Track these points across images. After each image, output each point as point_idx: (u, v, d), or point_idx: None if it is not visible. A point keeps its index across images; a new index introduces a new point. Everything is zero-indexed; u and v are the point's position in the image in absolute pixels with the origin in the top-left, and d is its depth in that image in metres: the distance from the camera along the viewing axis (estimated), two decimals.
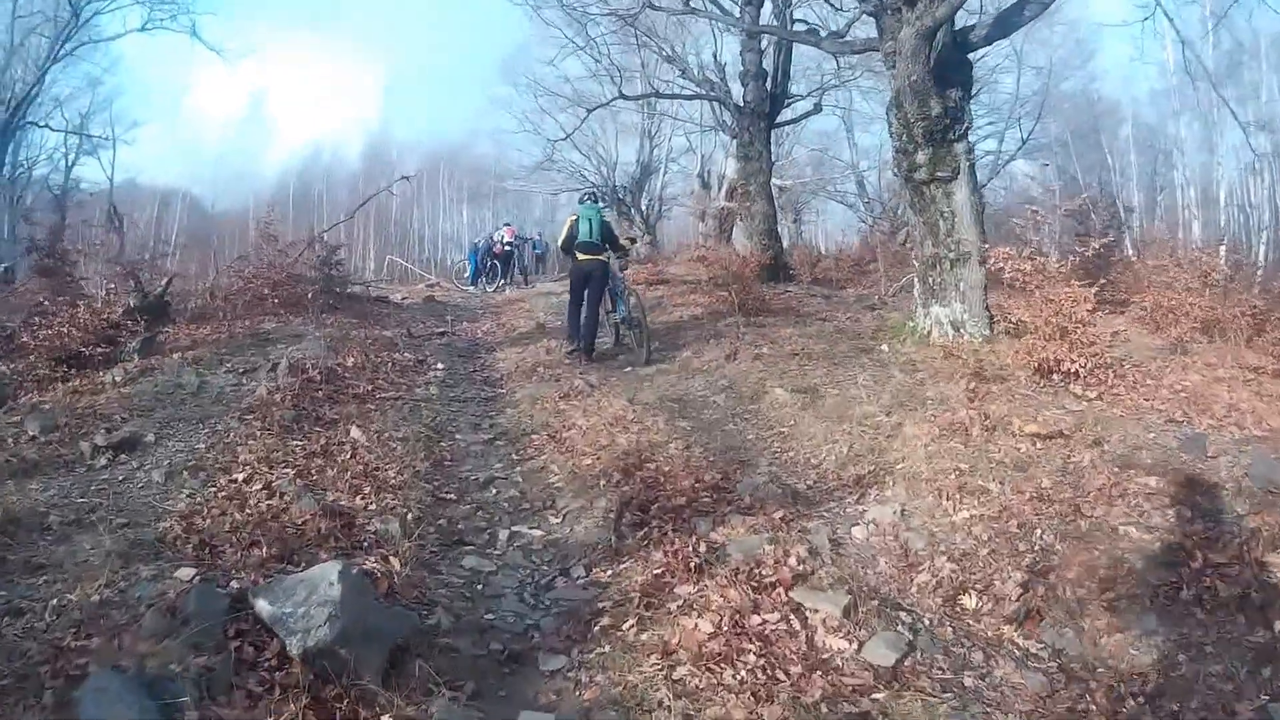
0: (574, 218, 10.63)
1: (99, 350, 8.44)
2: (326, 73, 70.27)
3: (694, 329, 11.30)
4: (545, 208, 45.96)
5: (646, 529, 5.06)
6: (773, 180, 25.30)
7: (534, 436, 7.22)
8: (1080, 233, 15.12)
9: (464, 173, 44.74)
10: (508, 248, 23.84)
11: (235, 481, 5.50)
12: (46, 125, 23.53)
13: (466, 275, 23.25)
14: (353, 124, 69.12)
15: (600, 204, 11.84)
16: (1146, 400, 6.69)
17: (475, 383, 9.48)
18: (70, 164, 30.75)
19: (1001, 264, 8.17)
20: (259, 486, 5.41)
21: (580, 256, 10.38)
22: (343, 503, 5.29)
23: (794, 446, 6.64)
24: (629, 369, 9.66)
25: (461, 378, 9.67)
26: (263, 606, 3.44)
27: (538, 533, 5.46)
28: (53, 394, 7.48)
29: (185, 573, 3.97)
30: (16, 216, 28.18)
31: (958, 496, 5.25)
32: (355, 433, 6.50)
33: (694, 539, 4.74)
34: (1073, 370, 7.02)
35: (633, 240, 13.02)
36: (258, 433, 6.39)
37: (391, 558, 4.49)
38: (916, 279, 9.26)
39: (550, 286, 20.24)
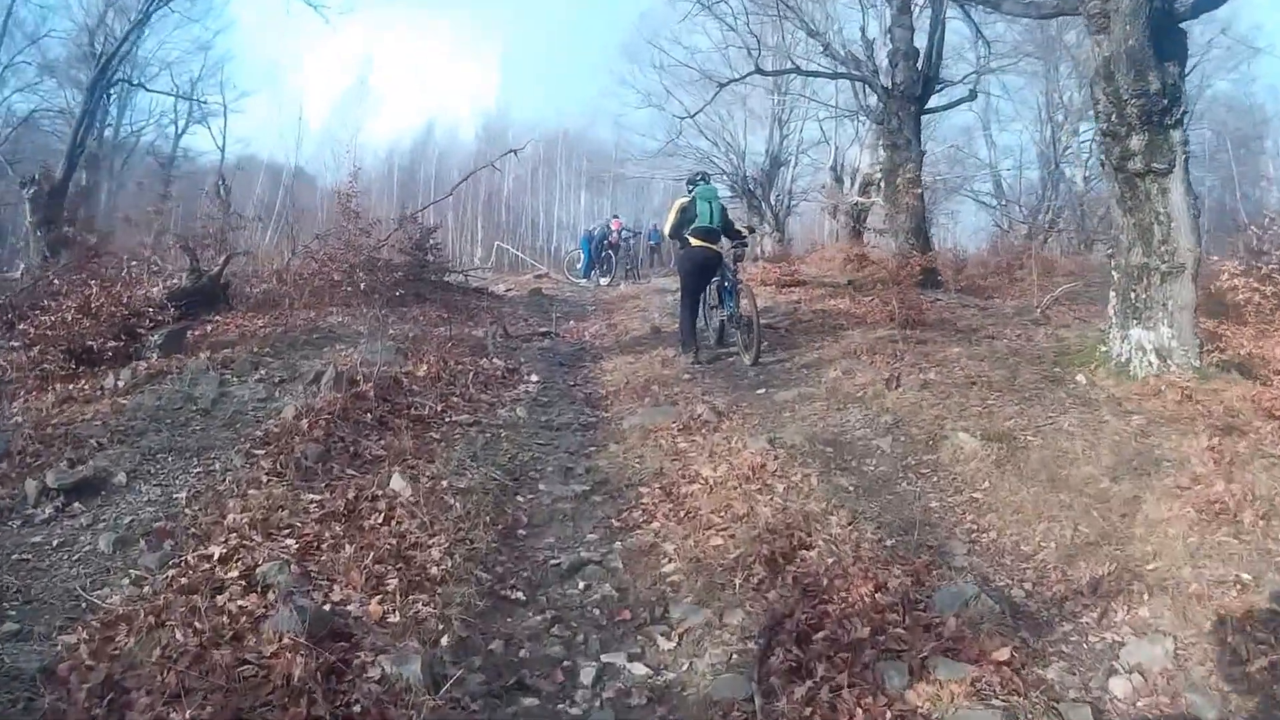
0: (687, 198, 9.33)
1: (114, 345, 6.93)
2: (441, 49, 70.10)
3: (838, 342, 9.31)
4: (666, 196, 44.12)
5: (809, 681, 3.18)
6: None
7: (643, 490, 5.30)
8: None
9: (582, 156, 43.45)
10: (624, 238, 22.16)
11: (208, 560, 3.79)
12: (141, 84, 22.79)
13: (579, 266, 21.58)
14: (467, 102, 68.43)
15: (718, 196, 9.90)
16: None
17: (574, 401, 7.62)
18: (179, 132, 30.77)
19: (1230, 282, 6.89)
20: (236, 573, 3.68)
21: (696, 243, 9.12)
22: (350, 608, 3.51)
23: (994, 523, 4.86)
24: (762, 390, 7.79)
25: (559, 395, 7.82)
26: None
27: (640, 670, 3.53)
28: (44, 400, 5.99)
29: None
30: (116, 184, 28.06)
31: (1249, 630, 3.47)
32: (398, 482, 4.70)
33: (884, 705, 2.99)
34: None
35: (750, 229, 10.96)
36: (264, 477, 4.69)
37: None
38: (1114, 293, 7.18)
39: (665, 283, 18.32)
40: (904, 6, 14.37)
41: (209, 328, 8.79)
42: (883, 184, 15.62)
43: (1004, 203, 26.59)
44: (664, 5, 19.44)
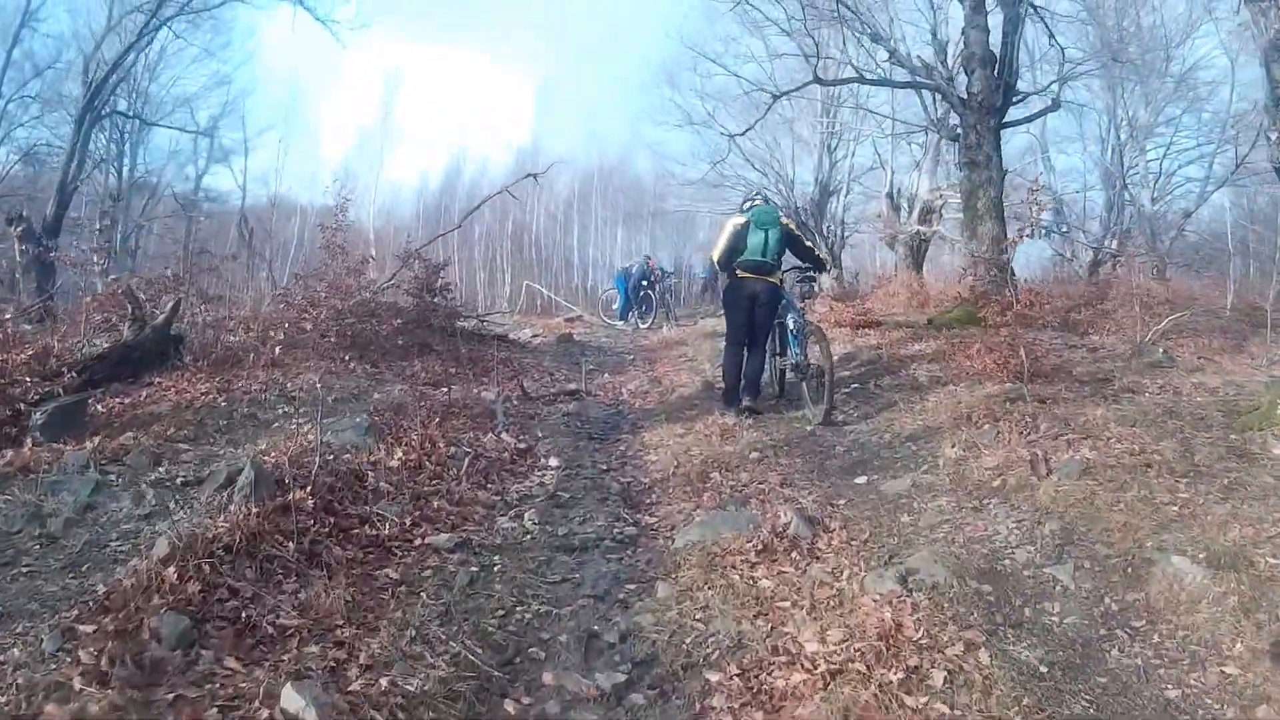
0: (739, 223, 7.98)
1: None
2: (473, 83, 69.18)
3: (943, 400, 7.39)
4: (711, 231, 42.43)
5: None
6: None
7: (712, 681, 3.27)
8: None
9: (618, 191, 41.90)
10: (664, 275, 20.36)
11: None
12: (136, 116, 21.69)
13: (615, 308, 19.73)
14: (499, 136, 67.37)
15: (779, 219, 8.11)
16: None
17: (607, 498, 5.61)
18: (200, 172, 30.52)
19: None
20: None
21: (744, 274, 7.88)
22: None
23: None
24: (862, 478, 5.90)
25: (585, 487, 5.82)
26: None
27: None
28: None
29: None
30: (130, 225, 27.02)
31: None
32: (293, 699, 2.74)
33: None
34: None
35: (825, 261, 9.05)
36: (77, 681, 2.76)
37: None
38: None
39: (716, 325, 16.37)
40: (978, 5, 12.64)
41: (143, 394, 6.98)
42: (961, 208, 13.71)
43: (1065, 229, 24.61)
44: (704, 25, 17.74)
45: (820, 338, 7.58)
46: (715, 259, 8.06)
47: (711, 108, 23.24)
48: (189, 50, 25.09)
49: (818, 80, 15.30)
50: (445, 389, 8.31)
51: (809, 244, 8.35)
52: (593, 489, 5.74)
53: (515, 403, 8.37)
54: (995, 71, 12.51)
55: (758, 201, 8.07)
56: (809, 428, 7.28)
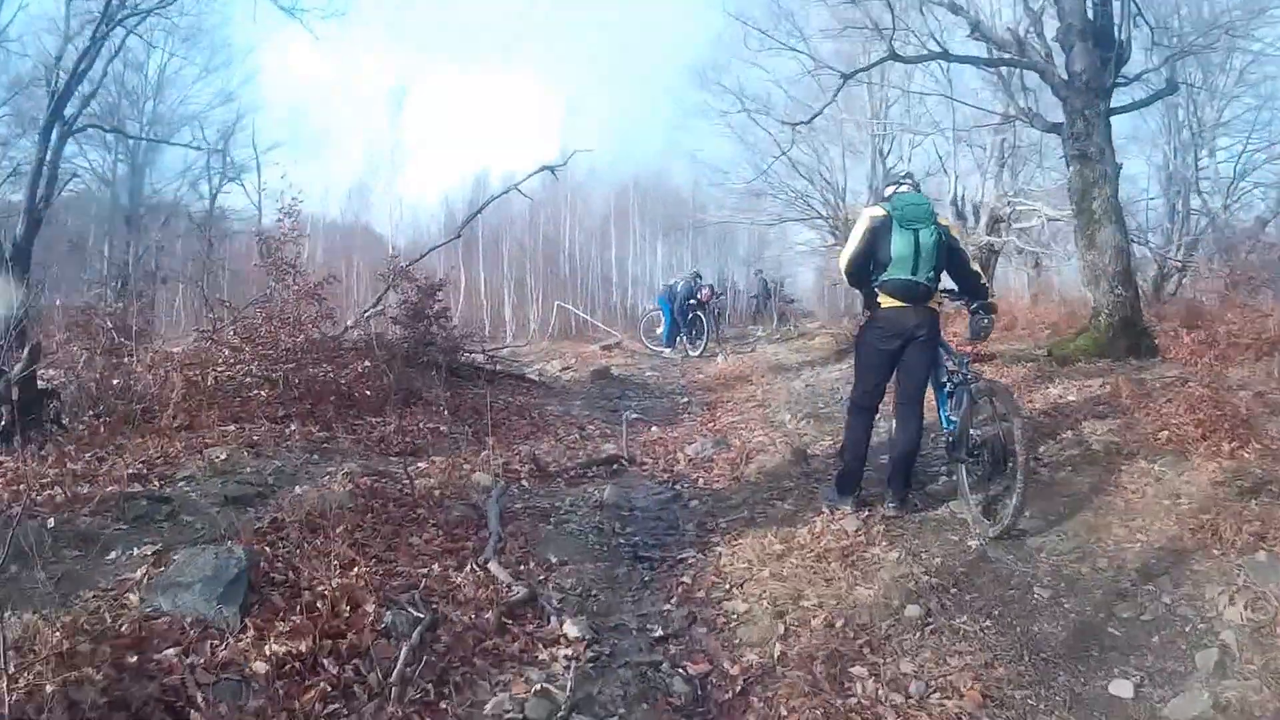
0: (877, 216, 5.20)
1: None
2: (495, 101, 67.00)
3: (1149, 488, 5.15)
4: (752, 245, 40.09)
5: None
6: (1040, 208, 18.55)
7: None
8: None
9: (656, 204, 39.43)
10: (714, 295, 17.84)
11: None
12: (118, 130, 20.34)
13: (659, 332, 17.11)
14: (527, 153, 65.01)
15: (935, 216, 5.30)
16: None
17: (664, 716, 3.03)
18: (214, 191, 28.80)
19: None
20: None
21: (888, 303, 5.18)
22: None
23: None
24: (1114, 682, 3.38)
25: (626, 697, 3.20)
26: None
27: None
28: None
29: None
30: (141, 247, 25.37)
31: None
32: None
33: None
34: None
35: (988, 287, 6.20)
36: None
37: None
38: None
39: (780, 353, 13.76)
40: None
41: None
42: (1074, 209, 11.14)
43: (1143, 240, 22.00)
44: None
45: (1005, 401, 4.95)
46: (843, 268, 5.35)
47: (757, 107, 21.72)
48: (189, 69, 25.53)
49: (895, 57, 12.65)
50: (426, 461, 5.86)
51: (966, 260, 5.46)
52: (640, 698, 3.14)
53: (525, 484, 5.85)
54: (1098, 46, 10.08)
55: (903, 188, 5.34)
56: (974, 543, 4.70)
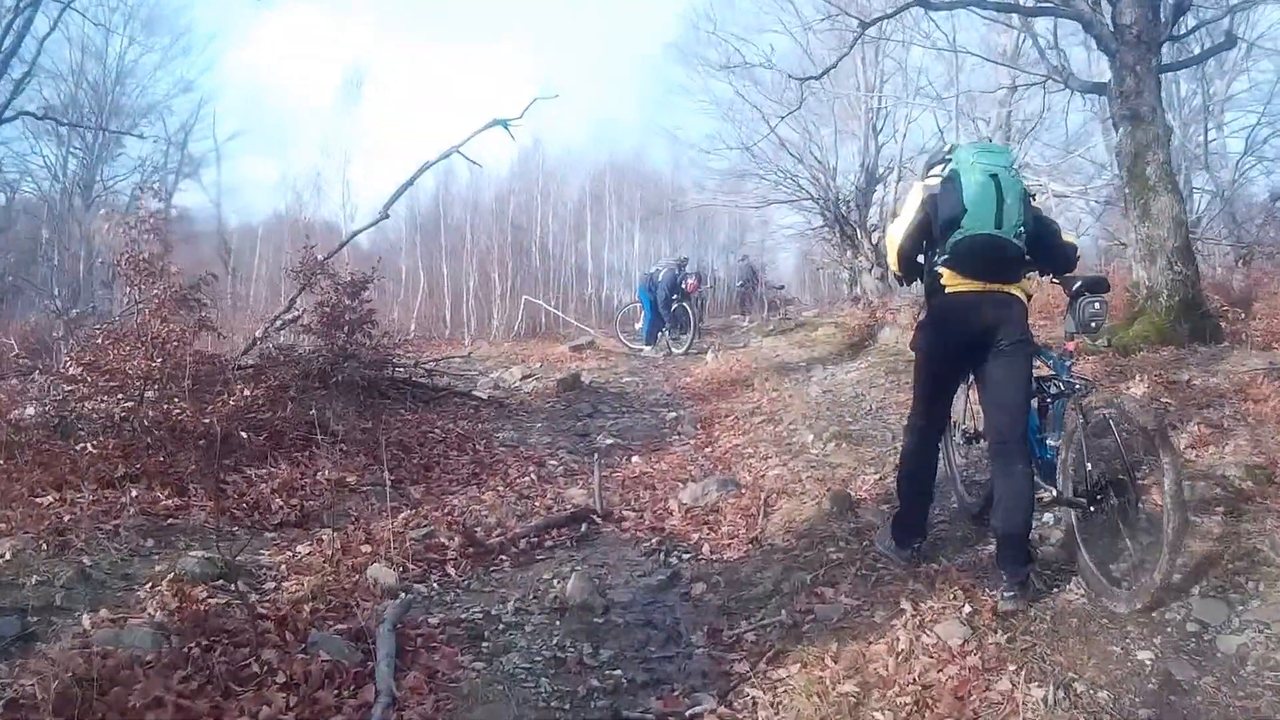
0: (934, 183, 3.77)
1: None
2: (466, 85, 64.59)
3: None
4: (733, 230, 38.43)
5: None
6: (1047, 183, 17.04)
7: None
8: None
9: (635, 186, 37.34)
10: (701, 284, 16.05)
11: None
12: (51, 118, 19.11)
13: (638, 326, 15.23)
14: (500, 137, 62.47)
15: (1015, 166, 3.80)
16: None
17: None
18: (171, 188, 26.66)
19: None
20: None
21: (956, 284, 3.62)
22: None
23: None
24: None
25: None
26: None
27: None
28: None
29: None
30: (95, 247, 23.78)
31: None
32: None
33: None
34: None
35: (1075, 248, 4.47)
36: None
37: None
38: None
39: (780, 348, 11.95)
40: None
41: None
42: (1124, 176, 9.60)
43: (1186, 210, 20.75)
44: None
45: (1138, 419, 3.36)
46: (893, 252, 3.95)
47: (742, 87, 20.53)
48: (150, 57, 24.83)
49: (921, 3, 10.87)
50: (311, 542, 4.07)
51: (1055, 230, 3.90)
52: None
53: (452, 572, 4.05)
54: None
55: (974, 143, 4.01)
56: (1145, 656, 3.05)
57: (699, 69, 22.85)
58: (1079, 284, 3.78)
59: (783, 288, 26.39)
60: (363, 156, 44.84)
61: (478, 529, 4.65)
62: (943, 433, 4.06)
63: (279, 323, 8.13)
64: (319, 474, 5.48)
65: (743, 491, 5.16)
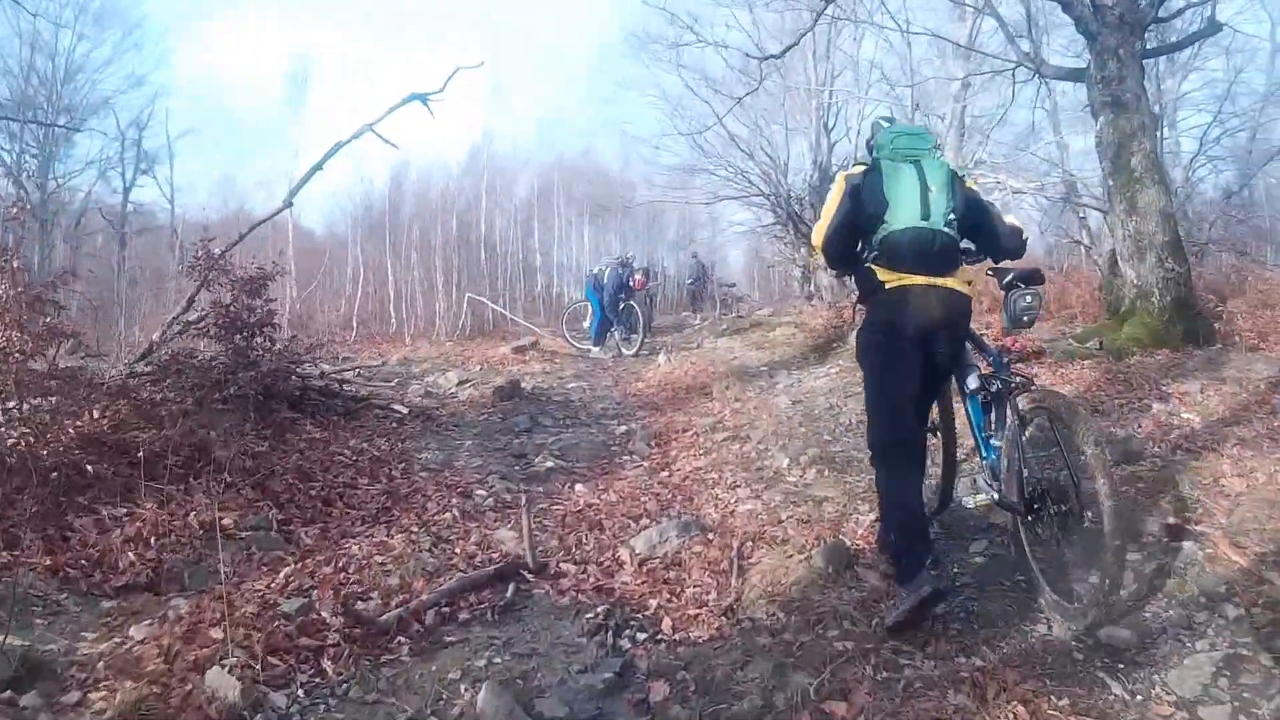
0: (856, 174, 3.52)
1: None
2: (411, 83, 63.23)
3: None
4: (682, 227, 37.71)
5: None
6: (1004, 179, 16.51)
7: None
8: None
9: (585, 181, 36.14)
10: (649, 281, 15.01)
11: None
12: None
13: (586, 325, 14.12)
14: (449, 135, 61.10)
15: (938, 147, 3.58)
16: None
17: None
18: (128, 184, 26.60)
19: None
20: None
21: (892, 279, 3.32)
22: None
23: None
24: None
25: None
26: None
27: None
28: None
29: None
30: (49, 244, 23.20)
31: None
32: None
33: None
34: None
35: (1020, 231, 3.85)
36: None
37: None
38: None
39: (735, 349, 10.99)
40: None
41: None
42: (1108, 168, 8.84)
43: (1082, 215, 20.48)
44: None
45: (1067, 417, 3.16)
46: (818, 245, 3.63)
47: (691, 78, 20.19)
48: (100, 51, 24.50)
49: None
50: (156, 619, 3.01)
51: (993, 217, 3.64)
52: None
53: (330, 668, 2.95)
54: None
55: (886, 127, 3.66)
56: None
57: (647, 63, 22.30)
58: (1010, 276, 3.58)
59: (734, 285, 25.54)
60: (310, 154, 43.36)
61: (372, 597, 3.54)
62: (916, 446, 3.47)
63: (178, 325, 6.92)
64: (191, 514, 4.33)
65: (710, 537, 4.08)
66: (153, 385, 6.01)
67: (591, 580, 3.79)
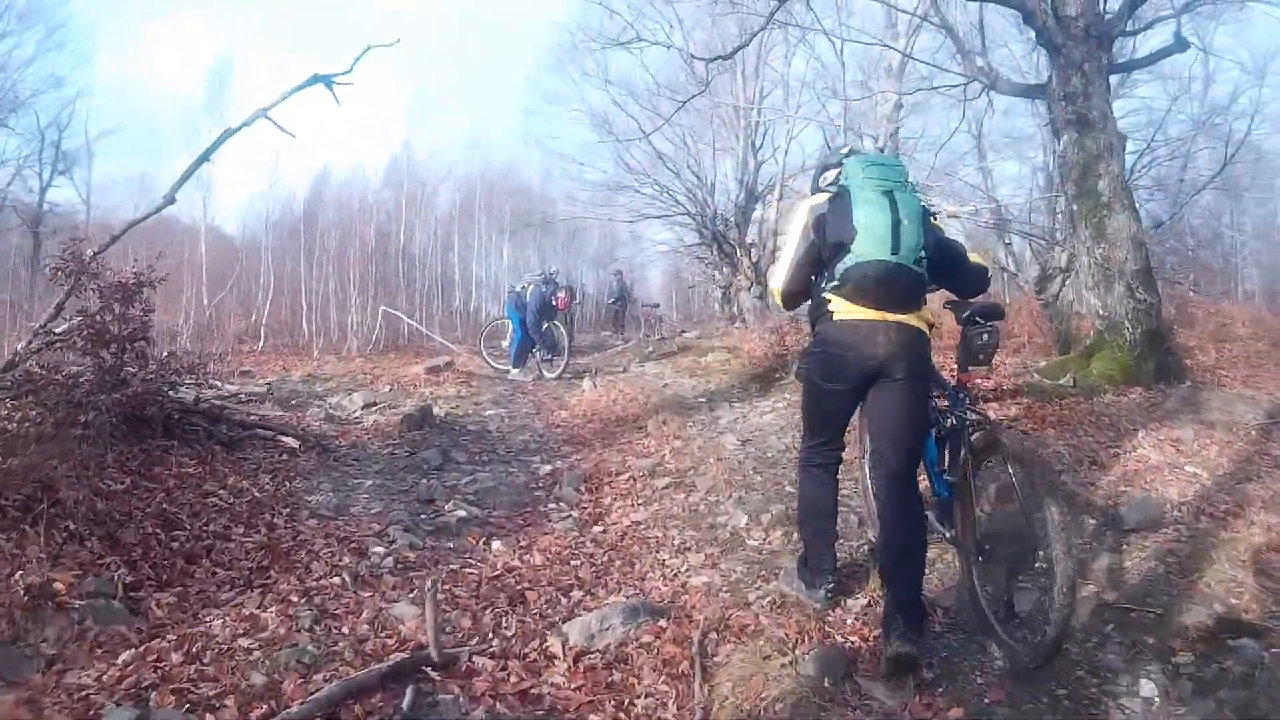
0: (821, 202, 3.34)
1: None
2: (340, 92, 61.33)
3: None
4: (603, 244, 37.08)
5: None
6: (940, 204, 16.29)
7: None
8: None
9: (506, 196, 35.07)
10: (573, 300, 14.25)
11: None
12: None
13: (506, 344, 13.20)
14: (371, 147, 59.67)
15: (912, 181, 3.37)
16: None
17: None
18: (45, 184, 25.66)
19: None
20: None
21: (846, 312, 3.19)
22: None
23: None
24: None
25: None
26: None
27: None
28: None
29: None
30: None
31: None
32: None
33: None
34: None
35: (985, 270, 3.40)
36: None
37: None
38: None
39: (666, 375, 10.30)
40: None
41: None
42: (1070, 191, 8.54)
43: (1008, 241, 20.64)
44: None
45: (1022, 462, 3.04)
46: (778, 290, 3.51)
47: (617, 94, 20.28)
48: (23, 50, 23.67)
49: None
50: None
51: (965, 251, 3.55)
52: None
53: None
54: None
55: (849, 157, 3.44)
56: None
57: (575, 78, 21.89)
58: (968, 312, 3.48)
59: (658, 306, 24.87)
60: (229, 160, 41.77)
61: (226, 705, 2.66)
62: (838, 464, 3.50)
63: (44, 336, 5.86)
64: (17, 574, 3.38)
65: (662, 624, 3.29)
66: (13, 403, 5.01)
67: (513, 681, 2.96)
